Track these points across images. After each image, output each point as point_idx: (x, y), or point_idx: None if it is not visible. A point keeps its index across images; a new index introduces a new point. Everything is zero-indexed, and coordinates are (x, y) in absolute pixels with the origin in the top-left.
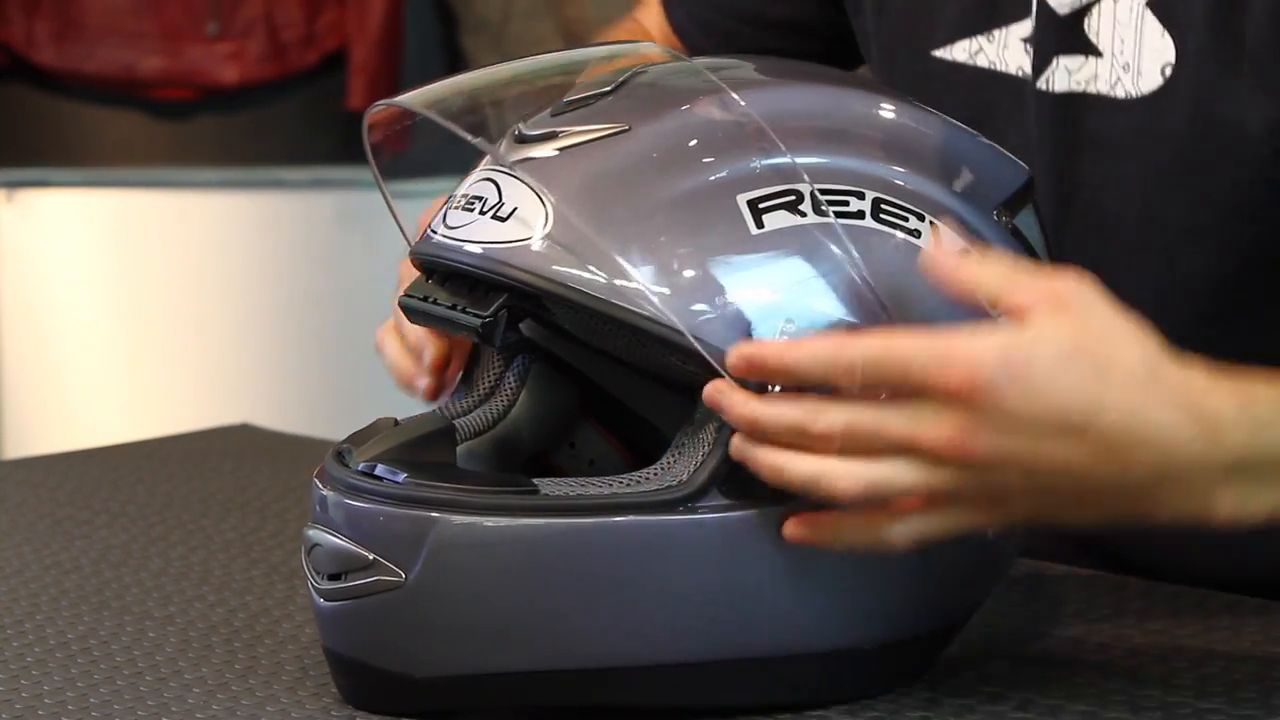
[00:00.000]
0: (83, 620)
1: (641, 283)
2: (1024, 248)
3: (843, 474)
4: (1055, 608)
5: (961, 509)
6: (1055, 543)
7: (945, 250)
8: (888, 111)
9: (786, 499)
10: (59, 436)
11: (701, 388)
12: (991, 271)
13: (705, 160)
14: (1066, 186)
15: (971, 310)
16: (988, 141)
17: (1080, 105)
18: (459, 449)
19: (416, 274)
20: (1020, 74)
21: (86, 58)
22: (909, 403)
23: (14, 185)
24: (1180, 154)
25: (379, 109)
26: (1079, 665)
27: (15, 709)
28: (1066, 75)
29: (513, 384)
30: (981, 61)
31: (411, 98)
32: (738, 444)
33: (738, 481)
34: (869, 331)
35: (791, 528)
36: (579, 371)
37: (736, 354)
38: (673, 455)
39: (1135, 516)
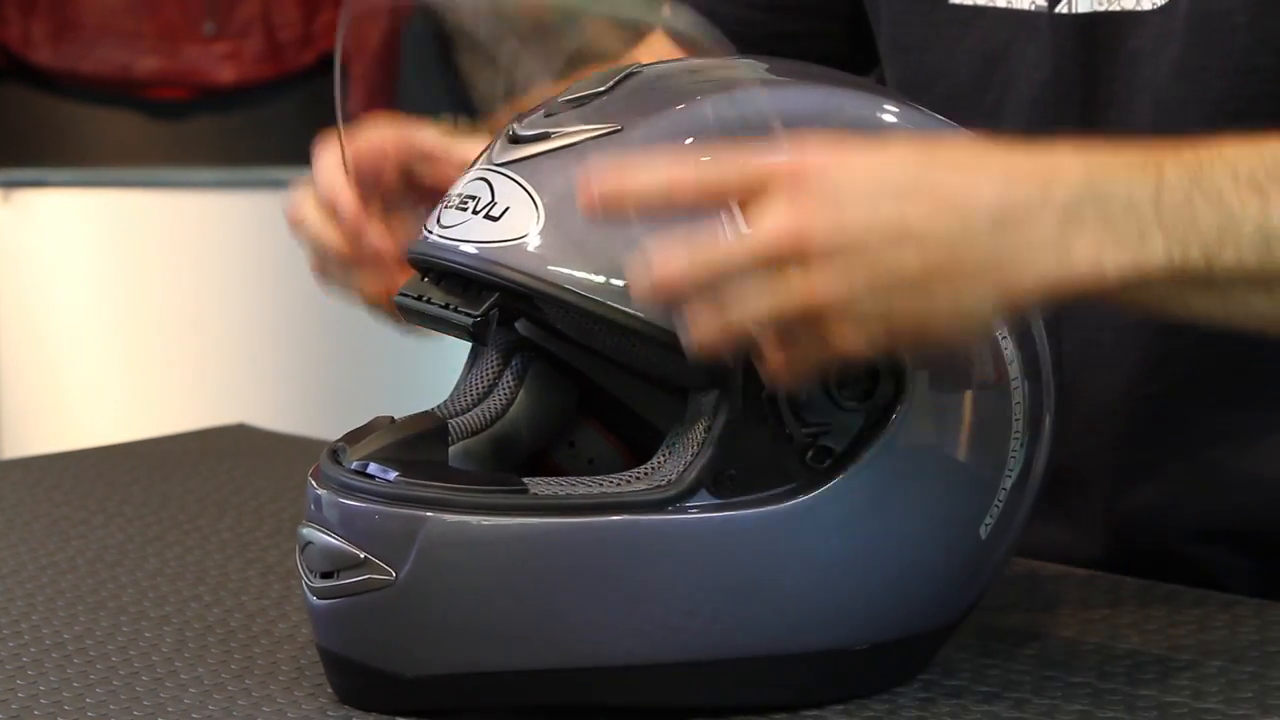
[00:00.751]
0: (79, 620)
1: (630, 283)
2: None
3: (704, 314)
4: (1052, 607)
5: (822, 323)
6: (1054, 524)
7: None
8: (885, 113)
9: (777, 499)
10: (56, 436)
11: (691, 388)
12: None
13: (696, 159)
14: (1091, 109)
15: None
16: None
17: (1105, 24)
18: (456, 448)
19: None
20: (1034, 8)
21: (83, 57)
22: (747, 216)
23: (10, 185)
24: (1180, 57)
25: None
26: (1075, 665)
27: (11, 709)
28: None
29: (511, 383)
30: (1000, 2)
31: None
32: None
33: (727, 481)
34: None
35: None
36: (578, 370)
37: (583, 198)
38: (663, 454)
39: (1002, 293)
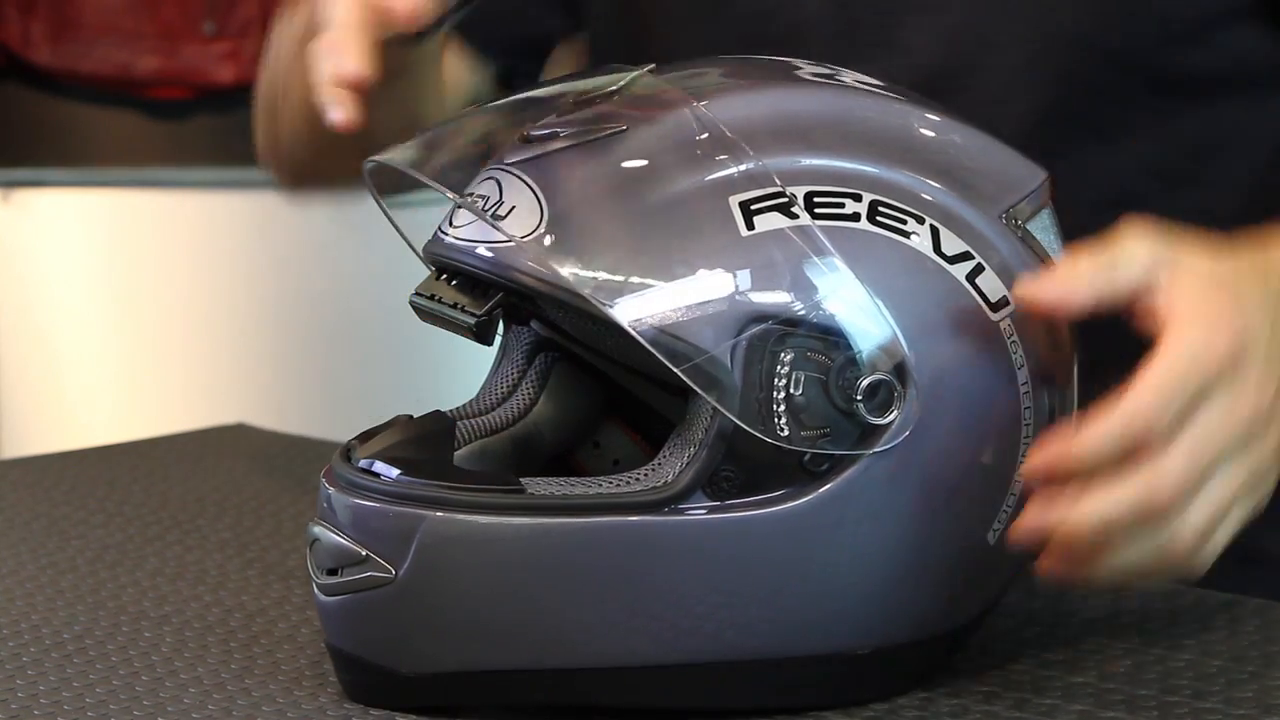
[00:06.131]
0: (79, 620)
1: (628, 283)
2: (1035, 254)
3: (1190, 522)
4: (1052, 607)
5: (1260, 481)
6: None
7: (1033, 291)
8: (893, 114)
9: (775, 501)
10: (55, 436)
11: (691, 389)
12: (1089, 282)
13: (699, 161)
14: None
15: (963, 311)
16: (1001, 143)
17: None
18: (474, 446)
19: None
20: None
21: (82, 57)
22: (1200, 408)
23: (10, 185)
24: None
25: (371, 164)
26: (1076, 665)
27: (11, 709)
28: None
29: (534, 383)
30: None
31: (398, 154)
32: (1056, 567)
33: (723, 483)
34: (1125, 391)
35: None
36: (602, 371)
37: (1031, 470)
38: (663, 456)
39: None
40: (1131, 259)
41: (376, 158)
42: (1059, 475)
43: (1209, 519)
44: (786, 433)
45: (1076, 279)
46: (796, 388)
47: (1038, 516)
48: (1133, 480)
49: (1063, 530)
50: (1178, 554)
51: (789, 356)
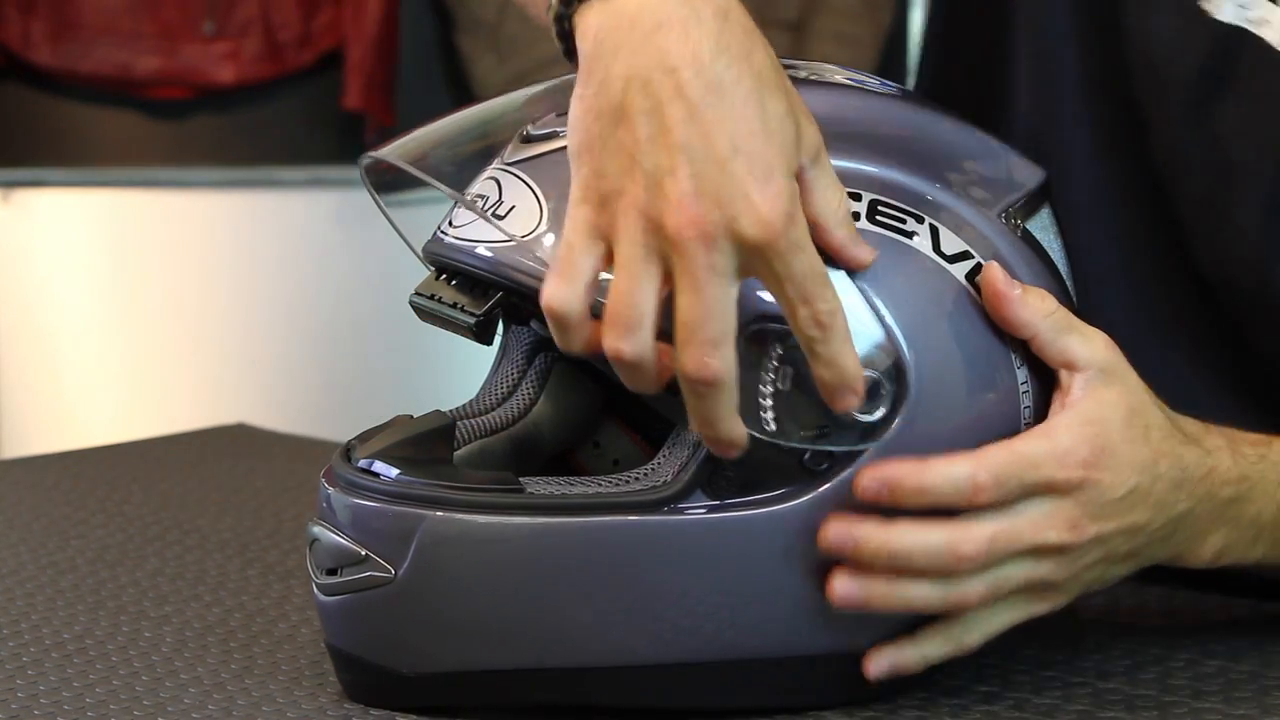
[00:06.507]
0: (79, 620)
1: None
2: (1034, 253)
3: (973, 585)
4: None
5: (1049, 594)
6: None
7: (1005, 282)
8: (891, 113)
9: (774, 500)
10: (56, 436)
11: None
12: (1045, 317)
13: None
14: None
15: (963, 310)
16: (1000, 143)
17: (1240, 41)
18: (473, 446)
19: None
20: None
21: (82, 57)
22: (1025, 503)
23: (10, 185)
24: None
25: (368, 160)
26: (1075, 665)
27: (11, 709)
28: (1236, 10)
29: (534, 383)
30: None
31: (396, 150)
32: (848, 586)
33: (722, 482)
34: (987, 446)
35: (873, 664)
36: (602, 371)
37: (870, 476)
38: (662, 456)
39: (1148, 564)
40: (1084, 343)
41: (374, 154)
42: (892, 494)
43: (991, 591)
44: (783, 432)
45: (1033, 308)
46: (793, 386)
47: (847, 524)
48: (940, 529)
49: (867, 546)
50: (956, 607)
51: (786, 355)
